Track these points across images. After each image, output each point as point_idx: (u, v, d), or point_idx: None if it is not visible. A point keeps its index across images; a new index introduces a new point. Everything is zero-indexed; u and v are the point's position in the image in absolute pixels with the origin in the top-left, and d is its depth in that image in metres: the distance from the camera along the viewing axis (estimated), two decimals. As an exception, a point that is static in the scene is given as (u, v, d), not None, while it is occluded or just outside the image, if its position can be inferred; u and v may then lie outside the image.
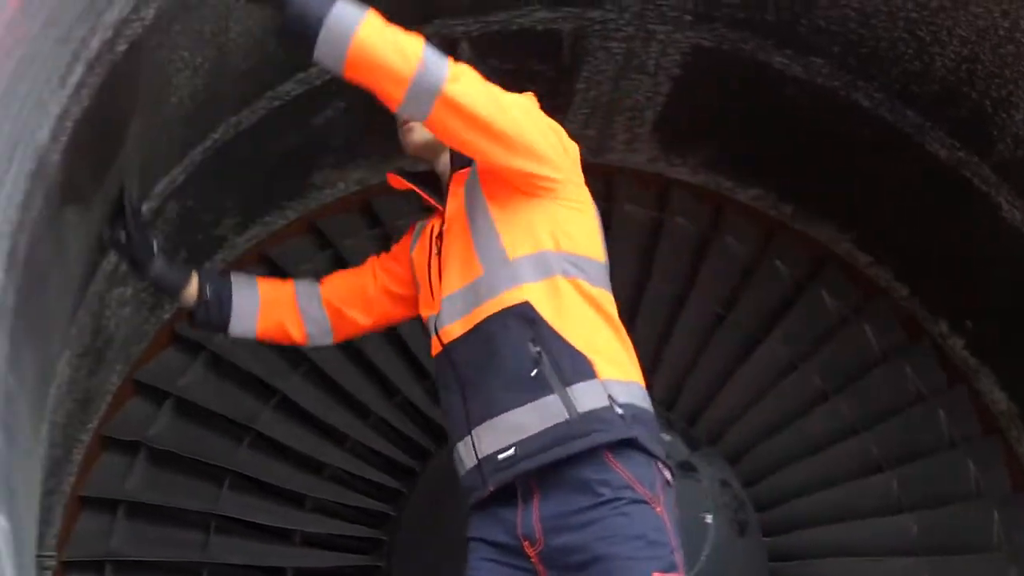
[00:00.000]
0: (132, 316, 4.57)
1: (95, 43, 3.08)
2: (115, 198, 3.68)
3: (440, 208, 3.80)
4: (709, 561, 4.32)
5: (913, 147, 4.72)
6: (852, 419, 5.11)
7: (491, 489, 3.48)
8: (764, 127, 5.04)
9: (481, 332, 3.53)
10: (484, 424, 3.49)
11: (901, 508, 4.98)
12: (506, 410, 3.46)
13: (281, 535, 4.74)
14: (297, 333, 4.02)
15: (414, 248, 3.92)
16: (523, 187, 3.58)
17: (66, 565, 4.60)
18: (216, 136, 4.34)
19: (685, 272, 5.29)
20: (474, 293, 3.57)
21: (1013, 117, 4.42)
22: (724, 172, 5.37)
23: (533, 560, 3.47)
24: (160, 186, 4.26)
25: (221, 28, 3.85)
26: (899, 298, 5.32)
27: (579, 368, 3.45)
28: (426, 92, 3.34)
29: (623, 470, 3.41)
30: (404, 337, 4.89)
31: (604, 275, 3.71)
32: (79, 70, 3.03)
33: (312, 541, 4.74)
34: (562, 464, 3.42)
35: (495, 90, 3.48)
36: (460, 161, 3.74)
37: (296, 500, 4.78)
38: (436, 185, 3.89)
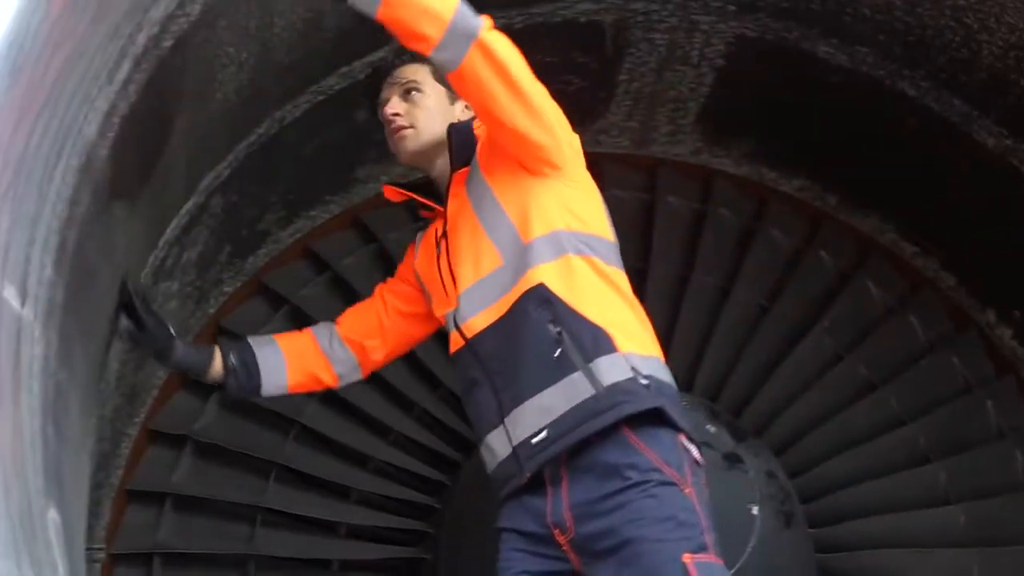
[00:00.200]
0: (178, 310, 4.60)
1: (142, 39, 3.09)
2: (120, 290, 3.66)
3: (440, 209, 3.82)
4: (755, 553, 4.30)
5: (960, 136, 4.69)
6: (899, 410, 5.08)
7: (528, 475, 3.49)
8: (808, 117, 5.01)
9: (507, 320, 3.56)
10: (516, 410, 3.51)
11: (949, 499, 4.95)
12: (535, 394, 3.48)
13: (326, 528, 4.75)
14: (328, 377, 4.04)
15: (417, 259, 3.95)
16: (531, 164, 3.60)
17: (115, 558, 4.64)
18: (260, 131, 4.36)
19: (729, 264, 5.26)
20: (496, 283, 3.59)
21: (1062, 104, 4.40)
22: (768, 163, 5.35)
23: (564, 548, 3.48)
24: (205, 182, 4.28)
25: (265, 23, 3.86)
26: (946, 288, 5.28)
27: (599, 342, 3.47)
28: (463, 34, 3.36)
29: (650, 452, 3.42)
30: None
31: (616, 254, 3.73)
32: (126, 66, 3.04)
33: (357, 533, 4.76)
34: (590, 447, 3.44)
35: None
36: (461, 159, 3.77)
37: (341, 493, 4.79)
38: (430, 191, 3.92)
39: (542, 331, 3.49)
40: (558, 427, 3.44)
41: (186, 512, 4.71)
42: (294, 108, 4.40)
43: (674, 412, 3.51)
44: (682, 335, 5.04)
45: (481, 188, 3.68)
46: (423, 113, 3.84)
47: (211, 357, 3.92)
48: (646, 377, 3.49)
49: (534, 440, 3.48)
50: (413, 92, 3.86)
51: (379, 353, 4.06)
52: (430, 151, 3.84)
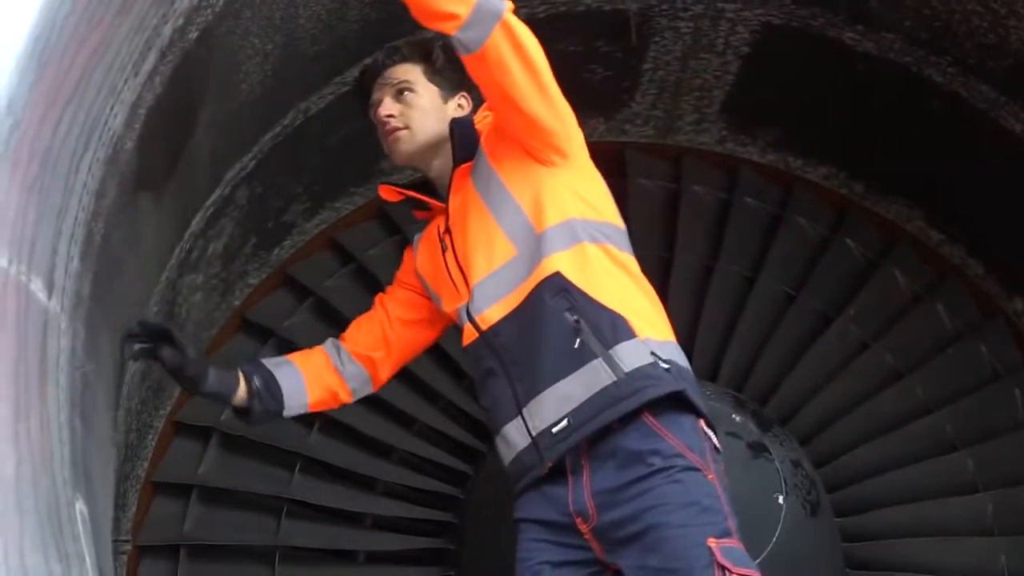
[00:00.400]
0: (203, 303, 4.61)
1: (167, 31, 3.10)
2: (150, 328, 3.62)
3: (441, 206, 3.81)
4: (781, 542, 4.29)
5: (987, 122, 4.67)
6: (926, 398, 5.06)
7: (549, 465, 3.48)
8: (834, 105, 5.00)
9: (523, 311, 3.55)
10: (534, 400, 3.50)
11: (976, 487, 4.93)
12: (554, 382, 3.47)
13: (352, 518, 4.76)
14: (343, 393, 3.99)
15: (418, 259, 3.93)
16: (540, 151, 3.60)
17: (141, 549, 4.66)
18: (285, 122, 4.36)
19: (755, 253, 5.25)
20: (511, 274, 3.59)
21: (1090, 91, 4.37)
22: (794, 151, 5.33)
23: (586, 536, 3.47)
24: (230, 173, 4.29)
25: (290, 14, 3.86)
26: (973, 276, 5.26)
27: (618, 329, 3.47)
28: (490, 14, 3.38)
29: (672, 438, 3.41)
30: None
31: (627, 240, 3.73)
32: (152, 58, 3.04)
33: (383, 524, 4.76)
34: (612, 434, 3.43)
35: None
36: (464, 154, 3.76)
37: (366, 484, 4.80)
38: (427, 190, 3.90)
39: (560, 320, 3.48)
40: (579, 415, 3.44)
41: (212, 504, 4.72)
42: (319, 99, 4.40)
43: (695, 396, 3.51)
44: (707, 324, 5.03)
45: (489, 180, 3.67)
46: (417, 113, 3.80)
47: (237, 382, 3.84)
48: (666, 362, 3.49)
49: (555, 429, 3.47)
50: (406, 92, 3.81)
51: (387, 364, 4.01)
52: (426, 151, 3.82)
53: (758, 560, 4.15)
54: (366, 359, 3.96)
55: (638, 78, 5.07)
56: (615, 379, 3.42)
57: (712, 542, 3.31)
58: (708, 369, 4.95)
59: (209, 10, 3.32)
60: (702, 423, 3.52)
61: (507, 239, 3.60)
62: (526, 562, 3.54)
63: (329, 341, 3.99)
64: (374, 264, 5.01)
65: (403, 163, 3.90)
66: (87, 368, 2.82)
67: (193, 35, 3.27)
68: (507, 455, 3.62)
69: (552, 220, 3.56)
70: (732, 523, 3.40)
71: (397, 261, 4.11)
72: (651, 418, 3.42)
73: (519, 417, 3.53)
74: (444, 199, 3.80)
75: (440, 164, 3.83)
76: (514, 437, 3.56)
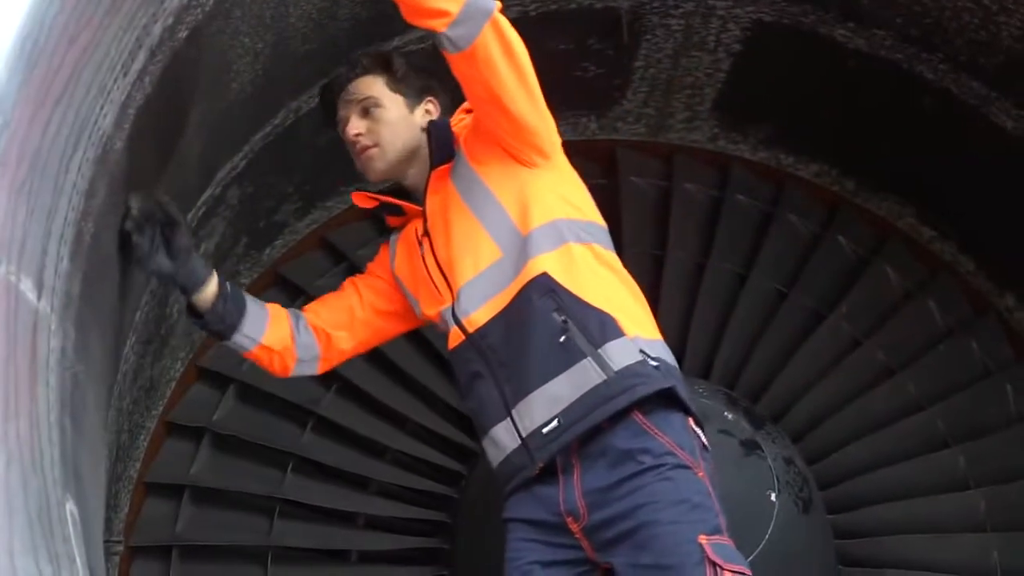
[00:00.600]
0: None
1: (157, 30, 3.09)
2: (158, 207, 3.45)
3: (416, 209, 3.80)
4: (773, 539, 4.29)
5: (978, 118, 4.68)
6: (917, 395, 5.08)
7: (540, 465, 3.48)
8: (825, 102, 5.00)
9: (510, 312, 3.55)
10: (523, 401, 3.50)
11: (968, 484, 4.94)
12: (543, 383, 3.47)
13: (345, 518, 4.76)
14: (290, 357, 3.88)
15: (395, 262, 3.90)
16: (523, 152, 3.61)
17: (133, 550, 4.65)
18: (276, 122, 4.36)
19: (746, 250, 5.26)
20: (497, 276, 3.58)
21: (1081, 86, 4.38)
22: (785, 148, 5.33)
23: (577, 535, 3.47)
24: (221, 173, 4.28)
25: (280, 13, 3.85)
26: (964, 272, 5.27)
27: (606, 328, 3.48)
28: (480, 11, 3.38)
29: (663, 436, 3.42)
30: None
31: (609, 238, 3.74)
32: (142, 57, 3.03)
33: (376, 524, 4.76)
34: (602, 433, 3.44)
35: None
36: (441, 157, 3.74)
37: (359, 483, 4.79)
38: (400, 195, 3.88)
39: (547, 320, 3.49)
40: (570, 415, 3.44)
41: (204, 504, 4.71)
42: (310, 98, 4.39)
43: (684, 394, 3.52)
44: (699, 322, 5.03)
45: (471, 181, 3.67)
46: (386, 129, 3.79)
47: (210, 273, 3.67)
48: (655, 359, 3.50)
49: (545, 430, 3.47)
50: (372, 108, 3.80)
51: (346, 344, 3.94)
52: (401, 164, 3.81)
53: (751, 557, 4.14)
54: (324, 334, 3.89)
55: (630, 76, 5.07)
56: (605, 378, 3.42)
57: (703, 539, 3.32)
58: (700, 366, 4.96)
59: (199, 9, 3.31)
60: (691, 421, 3.53)
61: (492, 241, 3.60)
62: (515, 562, 3.53)
63: (290, 309, 3.92)
64: (365, 263, 4.98)
65: (379, 179, 3.86)
66: (77, 368, 2.81)
67: (183, 34, 3.26)
68: (496, 457, 3.62)
69: (538, 221, 3.57)
70: (722, 520, 3.42)
71: (388, 261, 4.10)
72: (641, 416, 3.42)
73: (508, 419, 3.53)
74: (419, 202, 3.80)
75: (416, 172, 3.82)
76: (503, 439, 3.56)
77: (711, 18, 4.76)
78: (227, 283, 3.72)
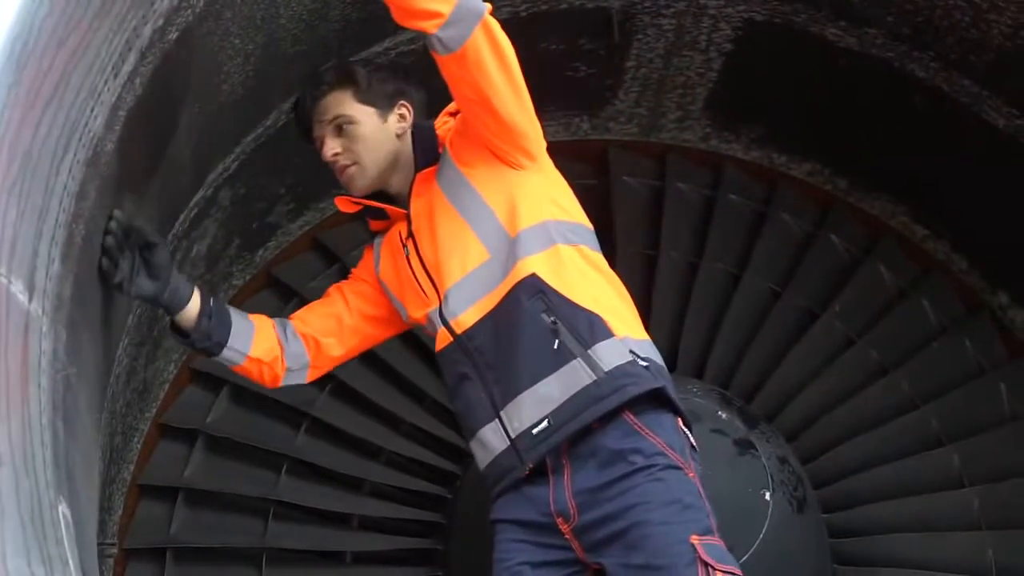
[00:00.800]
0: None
1: (147, 32, 3.08)
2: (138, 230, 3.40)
3: (400, 212, 3.80)
4: (768, 538, 4.29)
5: (970, 117, 4.68)
6: (911, 394, 5.07)
7: (530, 466, 3.49)
8: (817, 101, 5.00)
9: (498, 313, 3.55)
10: (512, 403, 3.50)
11: (962, 483, 4.94)
12: (533, 384, 3.48)
13: (339, 519, 4.75)
14: (279, 367, 3.86)
15: (380, 266, 3.90)
16: (510, 154, 3.63)
17: (127, 552, 4.64)
18: (267, 123, 4.35)
19: (739, 249, 5.26)
20: (484, 277, 3.59)
21: (1073, 84, 4.38)
22: (777, 148, 5.34)
23: (567, 536, 3.48)
24: (213, 174, 4.28)
25: (271, 14, 3.85)
26: (957, 271, 5.27)
27: (596, 329, 3.49)
28: (472, 13, 3.39)
29: (653, 436, 3.43)
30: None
31: (596, 240, 3.75)
32: (132, 59, 3.03)
33: (370, 525, 4.75)
34: (592, 434, 3.44)
35: None
36: (425, 160, 3.76)
37: (353, 484, 4.79)
38: (383, 198, 3.87)
39: (536, 321, 3.49)
40: (560, 415, 3.45)
41: (198, 506, 4.70)
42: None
43: (673, 394, 3.54)
44: (693, 321, 5.03)
45: (458, 183, 3.68)
46: (362, 145, 3.78)
47: (191, 292, 3.64)
48: (644, 359, 3.51)
49: (535, 431, 3.47)
50: (345, 126, 3.79)
51: (336, 351, 3.93)
52: (383, 175, 3.82)
53: (745, 557, 4.16)
54: (312, 342, 3.88)
55: (621, 76, 5.07)
56: (595, 378, 3.43)
57: (695, 539, 3.33)
58: (694, 366, 4.96)
59: (189, 11, 3.31)
60: (680, 421, 3.54)
61: (480, 242, 3.61)
62: (505, 563, 3.54)
63: (275, 318, 3.91)
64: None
65: (363, 194, 3.85)
66: (69, 371, 2.80)
67: (173, 36, 3.26)
68: (484, 458, 3.62)
69: (526, 222, 3.57)
70: (713, 521, 3.43)
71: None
72: (632, 417, 3.44)
73: (496, 420, 3.53)
74: (404, 205, 3.80)
75: (400, 178, 3.83)
76: (491, 440, 3.56)
77: (702, 17, 4.76)
78: (210, 299, 3.70)
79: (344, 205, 3.92)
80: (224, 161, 4.29)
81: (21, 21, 2.58)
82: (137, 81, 3.10)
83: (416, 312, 3.76)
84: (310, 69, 3.92)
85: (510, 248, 3.56)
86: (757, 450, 4.43)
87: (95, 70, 2.84)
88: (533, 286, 3.51)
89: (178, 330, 3.71)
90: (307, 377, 3.96)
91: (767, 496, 4.36)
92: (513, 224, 3.58)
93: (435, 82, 3.61)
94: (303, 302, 4.85)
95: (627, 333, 3.54)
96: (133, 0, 2.98)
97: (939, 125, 4.82)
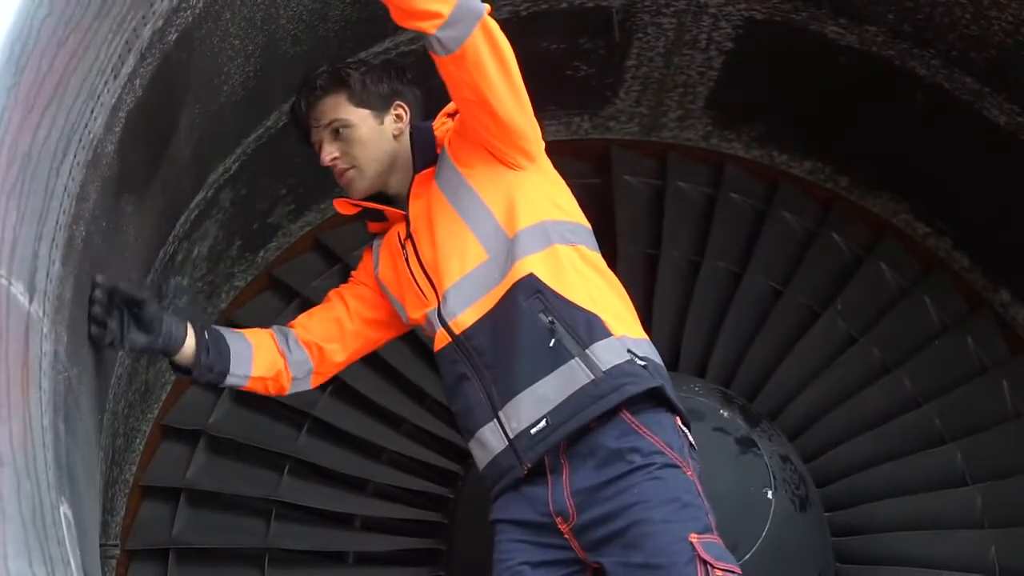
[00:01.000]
0: (189, 306, 4.59)
1: (147, 32, 3.08)
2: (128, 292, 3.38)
3: (399, 213, 3.80)
4: (770, 537, 4.29)
5: (971, 114, 4.68)
6: (914, 392, 5.07)
7: (529, 466, 3.49)
8: (818, 99, 5.00)
9: (496, 313, 3.56)
10: (510, 403, 3.51)
11: (965, 480, 4.94)
12: (531, 383, 3.48)
13: (341, 520, 4.75)
14: (285, 379, 3.87)
15: (379, 267, 3.90)
16: (509, 154, 3.63)
17: (130, 554, 4.64)
18: (268, 124, 4.35)
19: (741, 248, 5.26)
20: (483, 277, 3.60)
21: (1075, 80, 4.38)
22: (778, 146, 5.34)
23: (566, 535, 3.48)
24: (213, 175, 4.28)
25: (271, 15, 3.85)
26: (959, 268, 5.27)
27: (593, 328, 3.49)
28: (472, 13, 3.40)
29: (651, 435, 3.44)
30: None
31: (595, 240, 3.75)
32: (131, 60, 3.03)
33: (372, 525, 4.75)
34: (590, 433, 3.45)
35: None
36: (423, 161, 3.76)
37: (356, 485, 4.79)
38: (381, 200, 3.88)
39: (534, 321, 3.50)
40: (558, 415, 3.45)
41: (200, 507, 4.70)
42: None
43: (671, 393, 3.54)
44: (694, 320, 5.03)
45: (457, 184, 3.68)
46: (359, 148, 3.79)
47: (186, 332, 3.62)
48: (642, 359, 3.51)
49: (533, 430, 3.48)
50: (341, 129, 3.79)
51: (339, 356, 3.94)
52: (381, 176, 3.83)
53: (748, 555, 4.16)
54: (315, 348, 3.88)
55: (622, 75, 5.07)
56: (593, 378, 3.43)
57: (694, 538, 3.33)
58: (696, 365, 4.96)
59: (189, 12, 3.31)
60: (679, 420, 3.54)
61: (478, 242, 3.61)
62: (505, 563, 3.54)
63: (274, 326, 3.91)
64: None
65: (363, 196, 3.85)
66: (70, 372, 2.81)
67: (173, 37, 3.26)
68: (483, 459, 3.63)
69: (524, 222, 3.58)
70: (712, 519, 3.43)
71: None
72: (630, 416, 3.44)
73: (495, 420, 3.54)
74: (401, 206, 3.81)
75: (398, 179, 3.84)
76: (490, 440, 3.56)
77: (703, 16, 4.76)
78: (204, 333, 3.70)
79: (343, 207, 3.92)
80: (225, 162, 4.29)
81: (20, 22, 2.58)
82: (137, 82, 3.10)
83: (415, 313, 3.76)
84: (310, 69, 3.93)
85: (508, 248, 3.57)
86: (759, 449, 4.43)
87: (95, 71, 2.84)
88: (531, 286, 3.51)
89: (178, 367, 3.73)
90: (312, 383, 3.96)
91: (769, 495, 4.35)
92: (511, 224, 3.58)
93: (434, 82, 3.62)
94: (305, 303, 4.88)
95: (625, 332, 3.54)
96: (132, 1, 2.98)
97: (940, 123, 4.82)
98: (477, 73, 3.46)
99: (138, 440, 4.71)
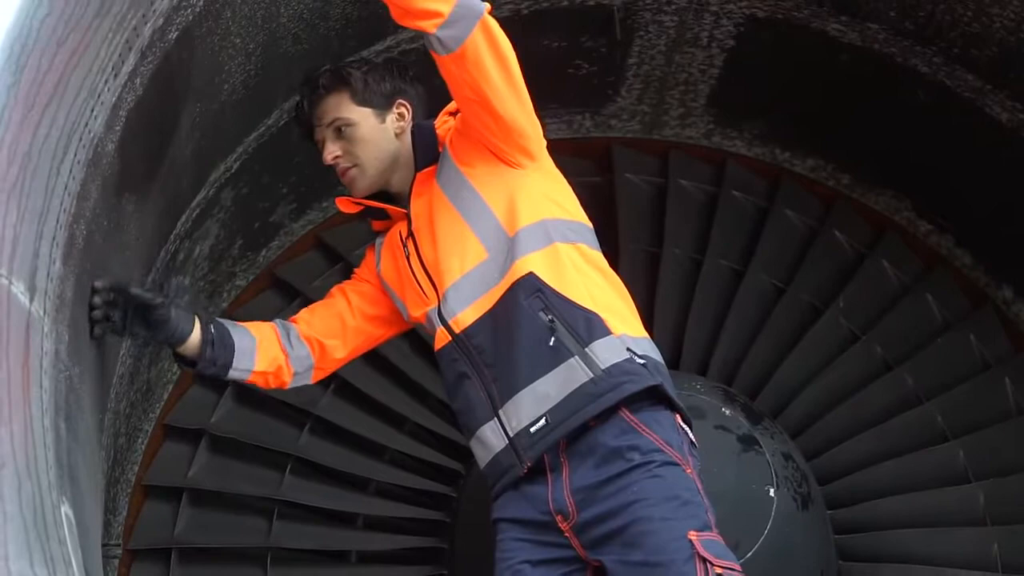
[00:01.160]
0: (190, 305, 4.58)
1: (147, 31, 3.08)
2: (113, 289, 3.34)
3: (401, 212, 3.81)
4: (772, 535, 4.29)
5: (973, 111, 4.68)
6: (916, 389, 5.06)
7: (529, 464, 3.49)
8: (820, 97, 5.00)
9: (496, 312, 3.56)
10: (510, 401, 3.51)
11: (968, 478, 4.93)
12: (531, 382, 3.48)
13: (344, 519, 4.75)
14: (286, 374, 3.87)
15: (381, 265, 3.90)
16: (510, 153, 3.64)
17: (132, 553, 4.64)
18: (269, 122, 4.35)
19: (743, 246, 5.25)
20: (483, 276, 3.60)
21: (1076, 77, 4.37)
22: (780, 143, 5.33)
23: (566, 534, 3.48)
24: (215, 174, 4.27)
25: (272, 13, 3.85)
26: (961, 266, 5.26)
27: (593, 327, 3.49)
28: (472, 12, 3.40)
29: (651, 433, 3.44)
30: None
31: (595, 238, 3.75)
32: (132, 59, 3.03)
33: (375, 524, 4.75)
34: (589, 431, 3.45)
35: None
36: (425, 159, 3.77)
37: (358, 484, 4.79)
38: (383, 198, 3.88)
39: (534, 320, 3.50)
40: (557, 413, 3.45)
41: (203, 506, 4.71)
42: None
43: (671, 390, 3.54)
44: (697, 318, 5.03)
45: (458, 183, 3.68)
46: (360, 147, 3.79)
47: (192, 325, 3.63)
48: (641, 357, 3.51)
49: (533, 429, 3.48)
50: (343, 128, 3.79)
51: (340, 352, 3.93)
52: (383, 175, 3.83)
53: (750, 553, 4.16)
54: (317, 344, 3.88)
55: (623, 73, 5.07)
56: (592, 376, 3.44)
57: (693, 535, 3.33)
58: (698, 363, 4.95)
59: (189, 10, 3.31)
60: (679, 418, 3.54)
61: (478, 241, 3.62)
62: (506, 561, 3.54)
63: (278, 321, 3.91)
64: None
65: (365, 194, 3.86)
66: (72, 371, 2.81)
67: (173, 35, 3.26)
68: (483, 457, 3.63)
69: (525, 221, 3.58)
70: (711, 517, 3.43)
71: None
72: (629, 414, 3.44)
73: (495, 419, 3.54)
74: (404, 205, 3.81)
75: (400, 177, 3.84)
76: (490, 439, 3.56)
77: (704, 14, 4.76)
78: (211, 326, 3.70)
79: (345, 205, 3.93)
80: (226, 161, 4.29)
81: (20, 21, 2.58)
82: (137, 81, 3.10)
83: (416, 311, 3.77)
84: (312, 68, 3.93)
85: (509, 247, 3.57)
86: (761, 446, 4.42)
87: (95, 70, 2.84)
88: (531, 285, 3.52)
89: (183, 359, 3.74)
90: (313, 378, 3.96)
91: (771, 492, 4.35)
92: (512, 223, 3.59)
93: (436, 80, 3.62)
94: (307, 302, 4.84)
95: (625, 331, 3.54)
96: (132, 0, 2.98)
97: (942, 120, 4.81)
98: (477, 72, 3.46)
99: (140, 439, 4.71)
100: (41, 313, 2.60)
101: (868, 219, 5.34)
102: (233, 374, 3.78)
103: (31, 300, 2.55)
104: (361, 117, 3.79)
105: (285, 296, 5.03)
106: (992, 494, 4.87)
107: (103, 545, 3.93)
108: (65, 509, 2.53)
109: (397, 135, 3.82)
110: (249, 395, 4.79)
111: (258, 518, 4.70)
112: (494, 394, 3.54)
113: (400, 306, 3.85)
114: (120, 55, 2.95)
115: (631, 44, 4.93)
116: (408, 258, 3.76)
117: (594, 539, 3.43)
